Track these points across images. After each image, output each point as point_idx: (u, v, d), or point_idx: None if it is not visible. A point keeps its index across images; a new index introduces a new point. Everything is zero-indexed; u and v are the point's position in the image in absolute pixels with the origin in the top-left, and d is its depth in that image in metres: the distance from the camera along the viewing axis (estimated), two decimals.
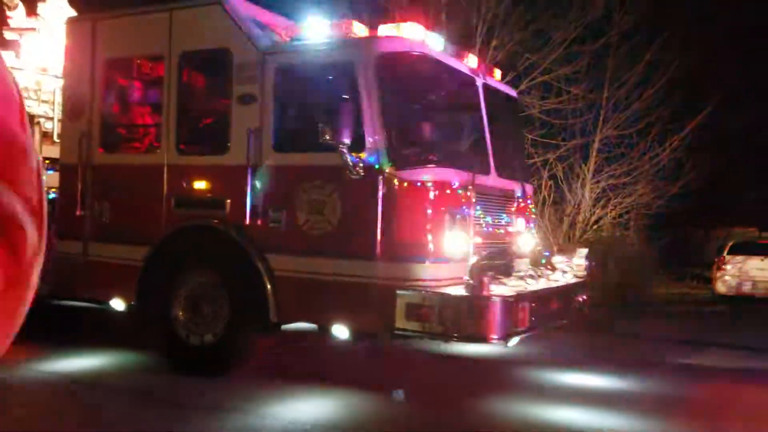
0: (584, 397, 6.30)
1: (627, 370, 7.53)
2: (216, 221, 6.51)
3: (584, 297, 7.04)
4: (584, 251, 7.38)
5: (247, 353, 6.43)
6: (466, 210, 6.02)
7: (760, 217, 22.48)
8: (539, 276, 6.64)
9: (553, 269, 6.99)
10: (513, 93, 7.74)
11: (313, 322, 6.19)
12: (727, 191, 22.95)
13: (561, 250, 8.07)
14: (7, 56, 8.92)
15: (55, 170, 8.46)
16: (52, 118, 8.40)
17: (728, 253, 16.98)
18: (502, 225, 6.82)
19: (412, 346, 7.86)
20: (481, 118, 6.63)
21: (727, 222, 24.67)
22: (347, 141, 5.53)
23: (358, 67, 5.79)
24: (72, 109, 7.41)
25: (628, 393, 6.69)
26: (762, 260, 16.50)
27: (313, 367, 7.25)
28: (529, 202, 7.45)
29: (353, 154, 5.64)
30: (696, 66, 15.62)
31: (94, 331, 8.42)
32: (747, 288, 16.58)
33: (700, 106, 15.87)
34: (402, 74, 5.92)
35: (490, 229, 6.57)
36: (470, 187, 6.03)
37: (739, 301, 16.20)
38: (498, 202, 6.71)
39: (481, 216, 6.34)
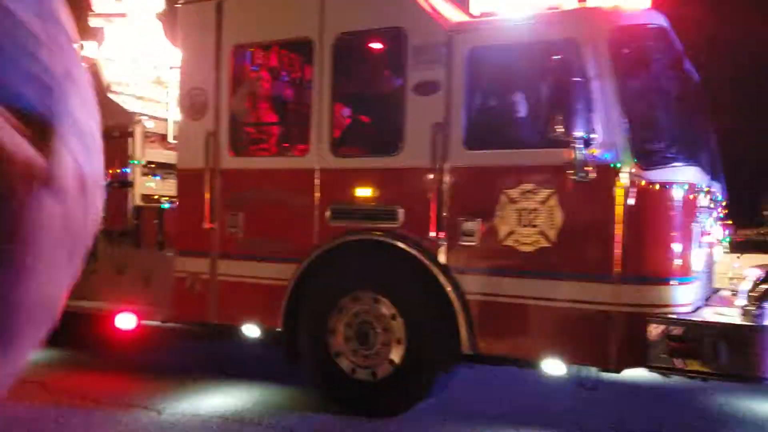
0: None
1: None
2: (385, 235, 5.48)
3: None
4: None
5: (431, 390, 5.38)
6: (705, 217, 4.99)
7: None
8: None
9: None
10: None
11: (517, 355, 5.14)
12: None
13: None
14: (89, 47, 7.93)
15: (161, 177, 7.48)
16: (153, 117, 7.39)
17: None
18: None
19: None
20: (698, 109, 5.60)
21: None
22: (580, 135, 4.51)
23: (585, 44, 4.75)
24: (193, 107, 6.38)
25: None
26: None
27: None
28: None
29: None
30: None
31: (217, 362, 7.34)
32: None
33: None
34: (638, 52, 4.88)
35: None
36: (708, 190, 5.00)
37: None
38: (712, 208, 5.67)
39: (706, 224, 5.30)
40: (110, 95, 7.45)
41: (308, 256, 5.75)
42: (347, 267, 5.63)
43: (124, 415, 5.38)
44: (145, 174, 7.28)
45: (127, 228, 7.11)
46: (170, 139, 6.92)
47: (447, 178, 5.25)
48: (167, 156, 7.56)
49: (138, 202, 7.19)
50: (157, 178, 7.38)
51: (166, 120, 7.59)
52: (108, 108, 7.27)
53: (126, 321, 6.81)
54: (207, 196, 6.24)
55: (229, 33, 6.23)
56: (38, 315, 0.56)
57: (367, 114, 5.94)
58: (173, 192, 7.47)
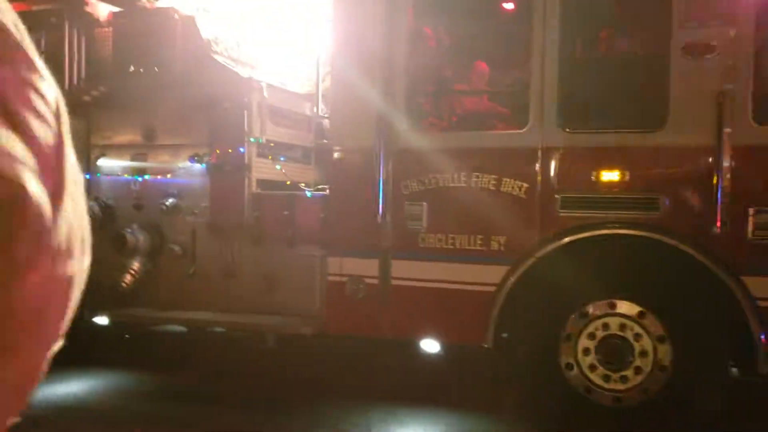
0: None
1: None
2: (642, 228, 4.47)
3: None
4: None
5: (713, 413, 4.42)
6: None
7: None
8: None
9: None
10: None
11: None
12: None
13: None
14: None
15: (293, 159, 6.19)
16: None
17: None
18: None
19: None
20: None
21: None
22: None
23: None
24: (355, 71, 5.14)
25: None
26: None
27: None
28: None
29: None
30: None
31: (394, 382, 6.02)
32: None
33: None
34: None
35: None
36: None
37: None
38: None
39: None
40: (215, 56, 6.09)
41: (530, 254, 4.68)
42: (584, 268, 4.59)
43: None
44: (261, 155, 5.97)
45: (242, 221, 5.79)
46: (319, 111, 5.63)
47: (727, 159, 4.29)
48: (287, 134, 6.29)
49: (255, 188, 5.88)
50: (283, 159, 6.08)
51: (282, 88, 6.30)
52: (214, 72, 5.94)
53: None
54: (381, 180, 5.04)
55: None
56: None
57: (610, 80, 4.85)
58: (295, 177, 6.24)
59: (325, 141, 6.96)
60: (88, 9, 6.28)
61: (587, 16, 4.76)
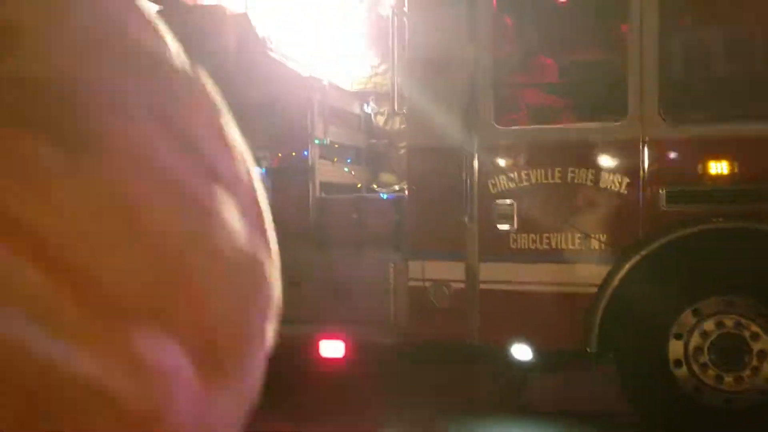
0: None
1: None
2: (757, 222, 4.26)
3: None
4: None
5: None
6: None
7: None
8: None
9: None
10: None
11: None
12: None
13: None
14: None
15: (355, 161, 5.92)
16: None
17: None
18: None
19: None
20: None
21: None
22: None
23: None
24: (435, 66, 4.89)
25: None
26: None
27: None
28: None
29: None
30: None
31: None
32: None
33: None
34: None
35: None
36: None
37: None
38: None
39: None
40: (272, 54, 5.80)
41: (635, 252, 4.45)
42: (697, 265, 4.37)
43: None
44: (324, 157, 5.69)
45: (308, 226, 5.50)
46: (396, 108, 5.36)
47: None
48: (345, 134, 6.02)
49: (318, 192, 5.59)
50: (349, 161, 5.81)
51: (337, 87, 6.03)
52: (272, 71, 5.66)
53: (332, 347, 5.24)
54: (465, 179, 4.79)
55: None
56: None
57: (716, 68, 4.64)
58: (348, 178, 5.97)
59: (373, 141, 6.74)
60: None
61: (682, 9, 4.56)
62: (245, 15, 5.76)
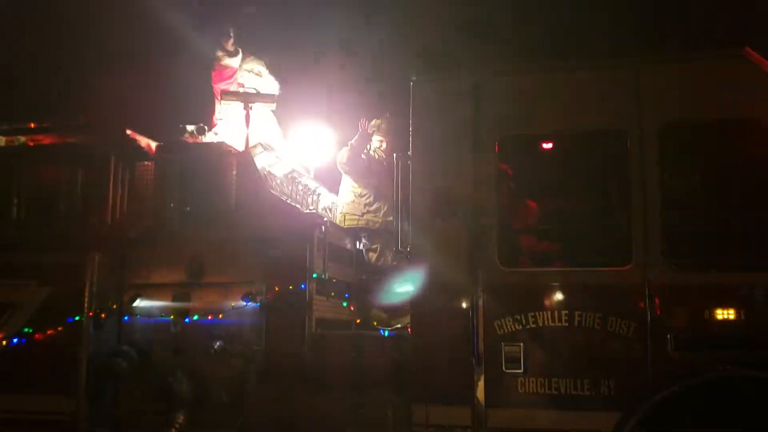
0: None
1: None
2: None
3: None
4: None
5: None
6: None
7: None
8: None
9: None
10: None
11: None
12: None
13: None
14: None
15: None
16: None
17: None
18: None
19: None
20: None
21: None
22: None
23: None
24: (445, 205, 4.98)
25: None
26: None
27: None
28: None
29: None
30: None
31: None
32: None
33: None
34: None
35: None
36: None
37: None
38: None
39: None
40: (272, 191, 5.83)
41: (639, 401, 4.40)
42: (711, 414, 4.32)
43: None
44: (320, 292, 5.59)
45: (302, 365, 5.29)
46: (398, 245, 5.35)
47: None
48: (340, 270, 5.98)
49: (314, 328, 5.44)
50: (348, 296, 5.72)
51: (334, 223, 6.05)
52: (272, 207, 5.67)
53: None
54: (472, 316, 4.75)
55: (496, 120, 5.00)
56: None
57: (718, 215, 4.75)
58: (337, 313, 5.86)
59: (363, 277, 6.70)
60: (130, 142, 5.95)
61: (688, 159, 4.81)
62: (249, 153, 5.82)
